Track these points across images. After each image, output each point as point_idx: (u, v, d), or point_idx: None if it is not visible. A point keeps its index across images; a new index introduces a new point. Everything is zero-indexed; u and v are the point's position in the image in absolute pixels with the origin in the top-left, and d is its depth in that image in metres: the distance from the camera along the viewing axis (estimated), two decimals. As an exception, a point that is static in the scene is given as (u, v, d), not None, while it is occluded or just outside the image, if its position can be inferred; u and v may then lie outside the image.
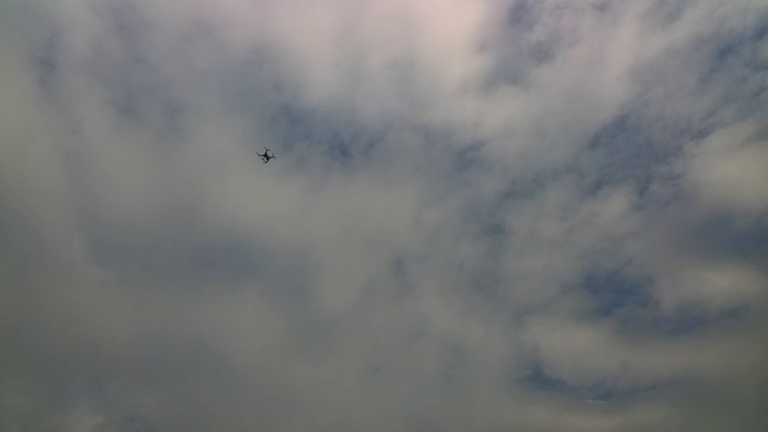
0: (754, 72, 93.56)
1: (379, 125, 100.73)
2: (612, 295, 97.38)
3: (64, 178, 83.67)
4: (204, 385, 77.35)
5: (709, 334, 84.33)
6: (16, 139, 79.57)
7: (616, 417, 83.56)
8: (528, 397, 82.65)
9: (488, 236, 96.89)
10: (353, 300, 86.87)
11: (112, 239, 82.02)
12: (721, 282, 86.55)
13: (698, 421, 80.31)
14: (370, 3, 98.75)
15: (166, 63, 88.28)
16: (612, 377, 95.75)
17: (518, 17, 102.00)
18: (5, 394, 67.69)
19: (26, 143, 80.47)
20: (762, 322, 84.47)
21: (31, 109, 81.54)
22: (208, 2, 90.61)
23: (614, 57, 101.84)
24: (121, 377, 76.02)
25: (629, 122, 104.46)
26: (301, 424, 76.56)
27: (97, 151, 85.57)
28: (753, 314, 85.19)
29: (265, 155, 60.12)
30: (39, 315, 72.05)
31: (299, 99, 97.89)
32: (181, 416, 75.26)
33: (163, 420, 75.02)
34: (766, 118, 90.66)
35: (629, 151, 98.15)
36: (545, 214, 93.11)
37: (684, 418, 79.26)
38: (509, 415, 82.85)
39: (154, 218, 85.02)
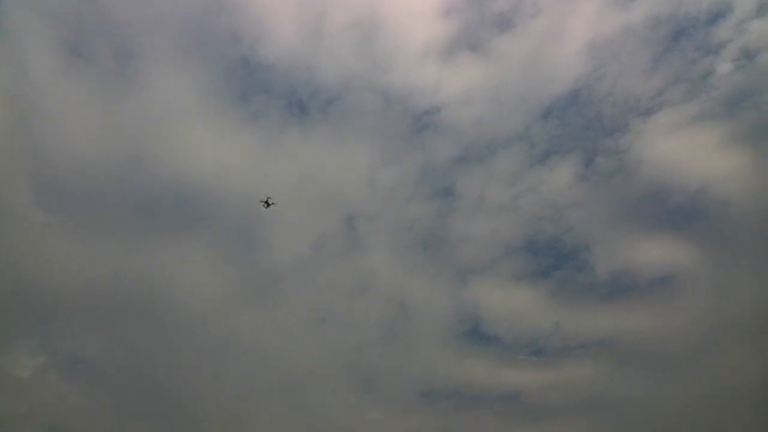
0: (704, 56, 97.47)
1: (339, 84, 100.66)
2: (551, 259, 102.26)
3: (9, 121, 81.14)
4: (149, 330, 77.87)
5: (638, 301, 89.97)
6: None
7: (547, 372, 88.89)
8: (465, 351, 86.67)
9: (438, 198, 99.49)
10: (303, 253, 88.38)
11: (59, 183, 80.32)
12: (653, 253, 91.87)
13: (622, 379, 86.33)
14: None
15: (119, 4, 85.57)
16: (545, 335, 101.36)
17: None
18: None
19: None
20: (686, 292, 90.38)
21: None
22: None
23: (574, 31, 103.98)
24: (64, 320, 75.56)
25: (582, 96, 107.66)
26: (246, 369, 78.41)
27: (44, 93, 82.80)
28: (679, 284, 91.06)
29: (266, 202, 61.33)
30: (-22, 256, 70.88)
31: (258, 52, 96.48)
32: (126, 359, 75.74)
33: (107, 362, 75.34)
34: (711, 101, 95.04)
35: (579, 124, 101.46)
36: (494, 179, 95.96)
37: (609, 375, 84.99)
38: (447, 367, 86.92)
39: (102, 163, 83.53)
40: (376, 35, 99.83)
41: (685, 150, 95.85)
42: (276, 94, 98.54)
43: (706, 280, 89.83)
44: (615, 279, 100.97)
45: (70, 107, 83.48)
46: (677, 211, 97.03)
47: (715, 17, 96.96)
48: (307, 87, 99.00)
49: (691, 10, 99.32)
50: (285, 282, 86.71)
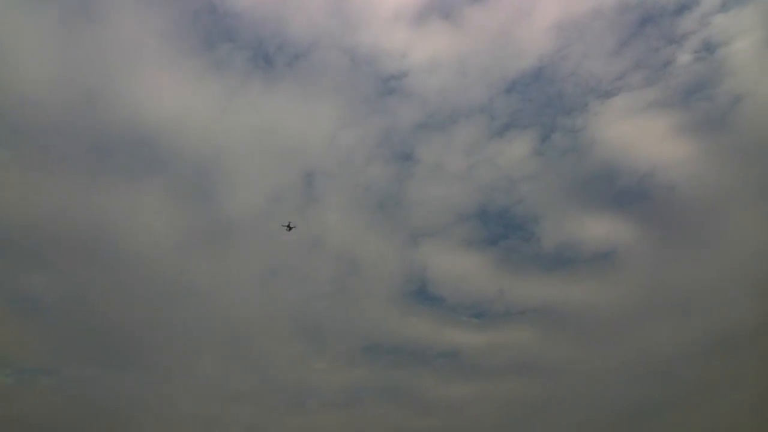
0: (667, 44, 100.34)
1: (307, 40, 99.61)
2: (500, 228, 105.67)
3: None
4: (99, 273, 77.48)
5: (578, 273, 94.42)
6: None
7: (486, 334, 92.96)
8: (411, 309, 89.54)
9: (398, 162, 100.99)
10: (259, 206, 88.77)
11: (8, 118, 77.96)
12: (597, 229, 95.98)
13: (556, 344, 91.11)
14: None
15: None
16: (488, 300, 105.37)
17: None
18: None
19: None
20: (624, 268, 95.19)
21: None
22: None
23: (544, 9, 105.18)
24: (7, 257, 74.39)
25: (545, 74, 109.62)
26: (194, 315, 79.29)
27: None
28: (619, 260, 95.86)
29: (288, 226, 61.86)
30: None
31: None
32: (73, 300, 75.29)
33: (52, 303, 74.78)
34: (668, 89, 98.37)
35: (540, 100, 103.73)
36: (453, 148, 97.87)
37: (544, 340, 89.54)
38: (392, 324, 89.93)
39: (57, 100, 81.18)
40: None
41: (638, 134, 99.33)
42: (242, 43, 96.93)
43: (644, 259, 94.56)
44: (559, 251, 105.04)
45: (25, 41, 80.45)
46: (624, 191, 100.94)
47: (682, 8, 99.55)
48: (274, 39, 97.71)
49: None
50: (239, 232, 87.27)
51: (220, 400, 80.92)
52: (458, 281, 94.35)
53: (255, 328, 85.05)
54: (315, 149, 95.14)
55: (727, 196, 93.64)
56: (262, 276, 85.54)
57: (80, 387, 70.49)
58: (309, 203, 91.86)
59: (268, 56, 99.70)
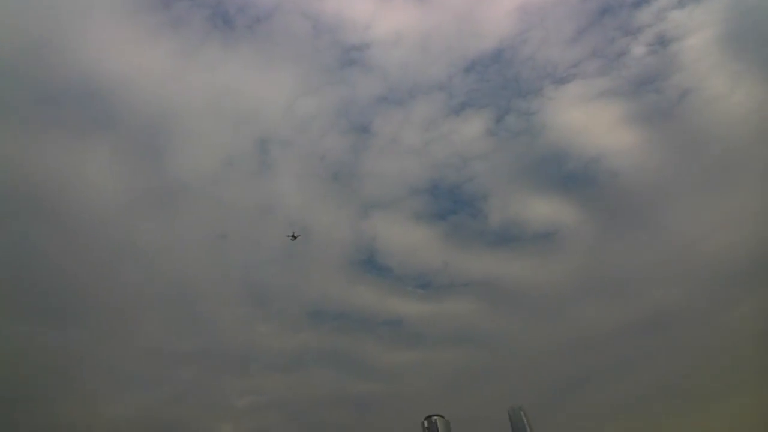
0: (623, 35, 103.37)
1: (270, 3, 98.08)
2: (450, 204, 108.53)
3: None
4: (43, 228, 75.55)
5: (522, 251, 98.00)
6: None
7: (430, 304, 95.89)
8: (358, 278, 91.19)
9: (355, 134, 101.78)
10: (211, 169, 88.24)
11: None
12: (542, 210, 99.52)
13: (496, 316, 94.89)
14: None
15: None
16: (433, 272, 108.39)
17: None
18: None
19: None
20: (565, 249, 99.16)
21: None
22: None
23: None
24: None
25: (505, 56, 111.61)
26: (140, 275, 78.62)
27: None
28: (560, 241, 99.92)
29: (293, 236, 62.35)
30: None
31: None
32: (14, 255, 73.32)
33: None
34: (620, 79, 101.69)
35: (497, 82, 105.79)
36: (410, 123, 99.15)
37: (485, 312, 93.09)
38: (339, 291, 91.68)
39: (2, 47, 77.80)
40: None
41: (588, 121, 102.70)
42: (200, 1, 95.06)
43: (585, 241, 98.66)
44: (504, 229, 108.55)
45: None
46: (571, 175, 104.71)
47: (640, 1, 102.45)
48: (235, 0, 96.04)
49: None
50: (189, 195, 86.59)
51: (164, 360, 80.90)
52: (406, 253, 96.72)
53: (202, 290, 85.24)
54: (272, 116, 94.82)
55: (667, 186, 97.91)
56: (212, 240, 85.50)
57: (19, 343, 69.33)
58: (263, 170, 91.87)
59: (228, 17, 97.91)
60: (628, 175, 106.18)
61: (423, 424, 63.77)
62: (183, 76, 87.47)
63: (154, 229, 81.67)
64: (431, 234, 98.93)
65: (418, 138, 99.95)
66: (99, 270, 78.88)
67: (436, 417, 64.37)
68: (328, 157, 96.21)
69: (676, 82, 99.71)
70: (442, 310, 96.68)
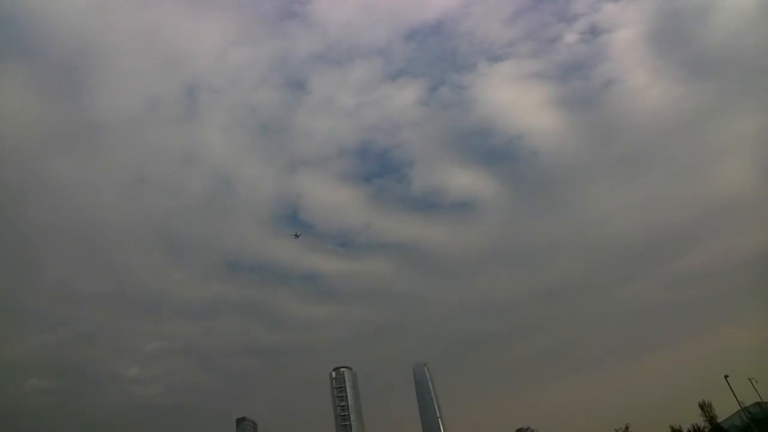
0: (558, 22, 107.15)
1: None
2: (377, 167, 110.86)
3: None
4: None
5: (441, 217, 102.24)
6: None
7: (348, 262, 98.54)
8: (279, 232, 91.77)
9: (289, 89, 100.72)
10: (133, 110, 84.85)
11: None
12: (463, 180, 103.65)
13: (410, 278, 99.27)
14: None
15: None
16: (354, 232, 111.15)
17: None
18: None
19: None
20: (481, 219, 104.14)
21: None
22: None
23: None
24: None
25: (445, 28, 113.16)
26: (52, 215, 75.64)
27: None
28: (478, 211, 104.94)
29: (296, 235, 62.13)
30: None
31: None
32: None
33: None
34: (550, 63, 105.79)
35: (435, 53, 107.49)
36: (346, 84, 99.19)
37: (402, 274, 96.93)
38: (258, 244, 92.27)
39: None
40: None
41: (516, 100, 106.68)
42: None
43: (500, 213, 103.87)
44: (426, 195, 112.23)
45: None
46: (494, 150, 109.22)
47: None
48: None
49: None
50: (108, 134, 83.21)
51: (69, 301, 79.06)
52: (329, 211, 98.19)
53: (115, 233, 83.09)
54: (203, 61, 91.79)
55: (580, 169, 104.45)
56: (130, 183, 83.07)
57: None
58: (189, 116, 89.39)
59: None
60: (547, 154, 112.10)
61: (331, 375, 66.46)
62: (109, 9, 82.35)
63: (68, 166, 78.13)
64: (356, 195, 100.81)
65: (352, 100, 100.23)
66: (4, 205, 75.26)
67: (344, 369, 67.24)
68: (259, 110, 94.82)
69: (602, 72, 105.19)
70: (358, 269, 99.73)
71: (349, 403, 65.09)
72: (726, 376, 21.29)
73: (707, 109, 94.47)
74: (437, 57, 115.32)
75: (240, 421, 59.81)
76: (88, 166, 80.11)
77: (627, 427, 29.46)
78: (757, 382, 23.73)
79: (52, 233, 76.85)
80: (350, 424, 64.19)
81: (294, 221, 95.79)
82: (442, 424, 74.95)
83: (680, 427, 26.39)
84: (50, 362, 73.27)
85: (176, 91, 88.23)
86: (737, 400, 21.81)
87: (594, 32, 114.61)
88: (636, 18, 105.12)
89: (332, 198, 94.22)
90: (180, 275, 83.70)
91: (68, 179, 78.33)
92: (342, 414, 64.77)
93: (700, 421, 25.44)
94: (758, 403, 23.76)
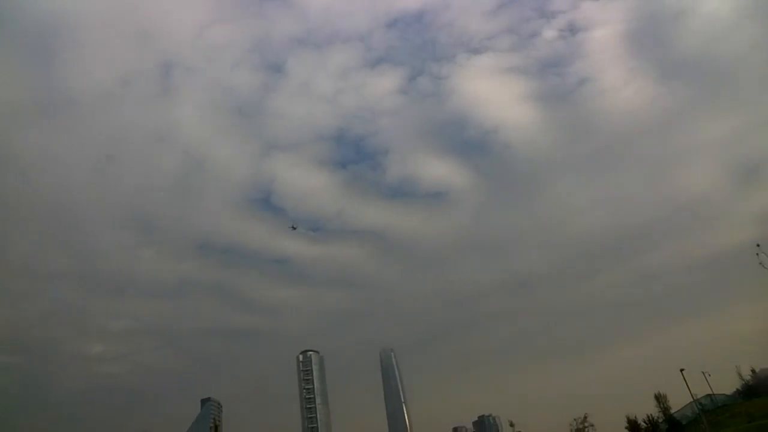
0: (538, 17, 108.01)
1: None
2: (352, 154, 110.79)
3: None
4: None
5: (414, 206, 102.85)
6: None
7: (319, 247, 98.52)
8: (251, 214, 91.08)
9: (266, 72, 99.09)
10: (106, 86, 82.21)
11: None
12: (437, 170, 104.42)
13: (381, 265, 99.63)
14: None
15: None
16: (326, 217, 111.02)
17: None
18: None
19: None
20: (454, 209, 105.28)
21: None
22: None
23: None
24: None
25: (426, 18, 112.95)
26: (17, 190, 72.78)
27: None
28: (450, 201, 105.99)
29: (293, 227, 61.67)
30: None
31: None
32: None
33: None
34: (528, 59, 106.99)
35: (415, 42, 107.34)
36: (325, 69, 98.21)
37: (373, 260, 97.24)
38: (230, 225, 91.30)
39: None
40: None
41: (493, 93, 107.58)
42: None
43: (472, 204, 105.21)
44: (400, 183, 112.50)
45: None
46: (469, 141, 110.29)
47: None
48: None
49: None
50: (79, 109, 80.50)
51: (33, 276, 76.99)
52: (303, 196, 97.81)
53: (83, 210, 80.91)
54: (179, 39, 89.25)
55: (553, 164, 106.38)
56: (99, 159, 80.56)
57: None
58: (163, 94, 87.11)
59: None
60: (520, 148, 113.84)
61: (298, 358, 66.70)
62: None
63: (37, 140, 75.35)
64: (330, 180, 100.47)
65: (330, 85, 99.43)
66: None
67: (311, 352, 67.57)
68: (236, 91, 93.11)
69: (578, 69, 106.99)
70: (329, 254, 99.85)
71: (315, 386, 65.54)
72: (682, 370, 22.44)
73: (678, 111, 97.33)
74: (417, 46, 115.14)
75: (205, 402, 59.52)
76: (57, 140, 77.76)
77: (586, 417, 30.59)
78: (710, 375, 25.18)
79: (16, 208, 74.49)
80: (315, 407, 64.68)
81: (267, 204, 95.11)
82: (406, 410, 76.38)
83: (636, 417, 27.67)
84: (11, 338, 71.31)
85: (151, 69, 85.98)
86: (690, 393, 23.03)
87: (572, 30, 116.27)
88: (614, 18, 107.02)
89: (306, 182, 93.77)
90: (148, 254, 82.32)
91: (37, 153, 75.97)
92: (308, 397, 65.20)
93: (655, 411, 26.75)
94: (709, 395, 25.20)
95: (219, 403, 59.80)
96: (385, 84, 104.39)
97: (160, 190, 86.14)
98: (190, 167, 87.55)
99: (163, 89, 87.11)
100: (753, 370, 31.14)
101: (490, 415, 74.33)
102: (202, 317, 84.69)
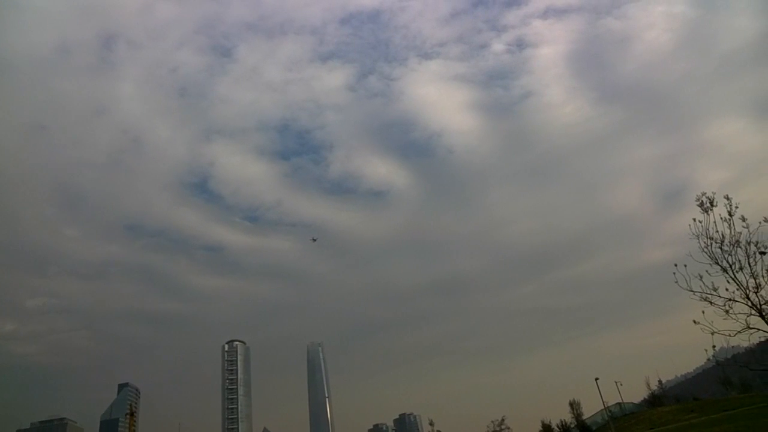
0: (489, 30, 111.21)
1: None
2: (296, 146, 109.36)
3: None
4: None
5: (354, 203, 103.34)
6: None
7: (255, 237, 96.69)
8: (186, 199, 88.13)
9: (214, 55, 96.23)
10: (39, 52, 76.79)
11: None
12: (379, 169, 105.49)
13: (318, 259, 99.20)
14: None
15: None
16: (264, 207, 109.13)
17: None
18: None
19: None
20: (392, 208, 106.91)
21: None
22: None
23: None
24: None
25: (382, 18, 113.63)
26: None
27: None
28: (390, 200, 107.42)
29: (313, 239, 66.32)
30: None
31: None
32: None
33: None
34: (476, 69, 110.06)
35: (369, 41, 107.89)
36: (275, 58, 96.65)
37: (308, 253, 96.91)
38: (163, 208, 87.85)
39: None
40: None
41: (439, 99, 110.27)
42: None
43: (411, 205, 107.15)
44: (342, 180, 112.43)
45: None
46: (413, 144, 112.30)
47: (512, 3, 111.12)
48: None
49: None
50: (12, 74, 75.03)
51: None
52: (242, 184, 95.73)
53: (6, 179, 75.17)
54: (124, 11, 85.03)
55: (491, 172, 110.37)
56: (28, 128, 75.30)
57: None
58: (101, 66, 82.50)
59: None
60: (462, 154, 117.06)
61: (224, 347, 65.41)
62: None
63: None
64: (271, 171, 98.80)
65: (279, 75, 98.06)
66: None
67: (237, 342, 66.47)
68: (180, 71, 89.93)
69: (522, 83, 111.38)
70: (265, 245, 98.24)
71: (239, 377, 64.49)
72: (596, 379, 24.19)
73: (612, 131, 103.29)
74: (370, 45, 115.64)
75: (122, 387, 57.08)
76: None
77: (503, 419, 31.93)
78: (621, 384, 27.45)
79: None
80: (237, 398, 63.63)
81: (203, 190, 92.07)
82: (329, 404, 76.61)
83: (550, 422, 29.39)
84: None
85: (92, 39, 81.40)
86: (602, 400, 24.92)
87: (520, 45, 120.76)
88: (560, 37, 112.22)
89: (246, 171, 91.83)
90: (73, 232, 77.72)
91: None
92: (230, 387, 64.01)
93: (569, 417, 28.58)
94: (619, 404, 27.26)
95: (137, 389, 57.53)
96: (334, 80, 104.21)
97: (91, 166, 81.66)
98: (126, 145, 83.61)
99: (104, 62, 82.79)
100: (660, 381, 34.17)
101: (411, 414, 75.94)
102: (127, 301, 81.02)
